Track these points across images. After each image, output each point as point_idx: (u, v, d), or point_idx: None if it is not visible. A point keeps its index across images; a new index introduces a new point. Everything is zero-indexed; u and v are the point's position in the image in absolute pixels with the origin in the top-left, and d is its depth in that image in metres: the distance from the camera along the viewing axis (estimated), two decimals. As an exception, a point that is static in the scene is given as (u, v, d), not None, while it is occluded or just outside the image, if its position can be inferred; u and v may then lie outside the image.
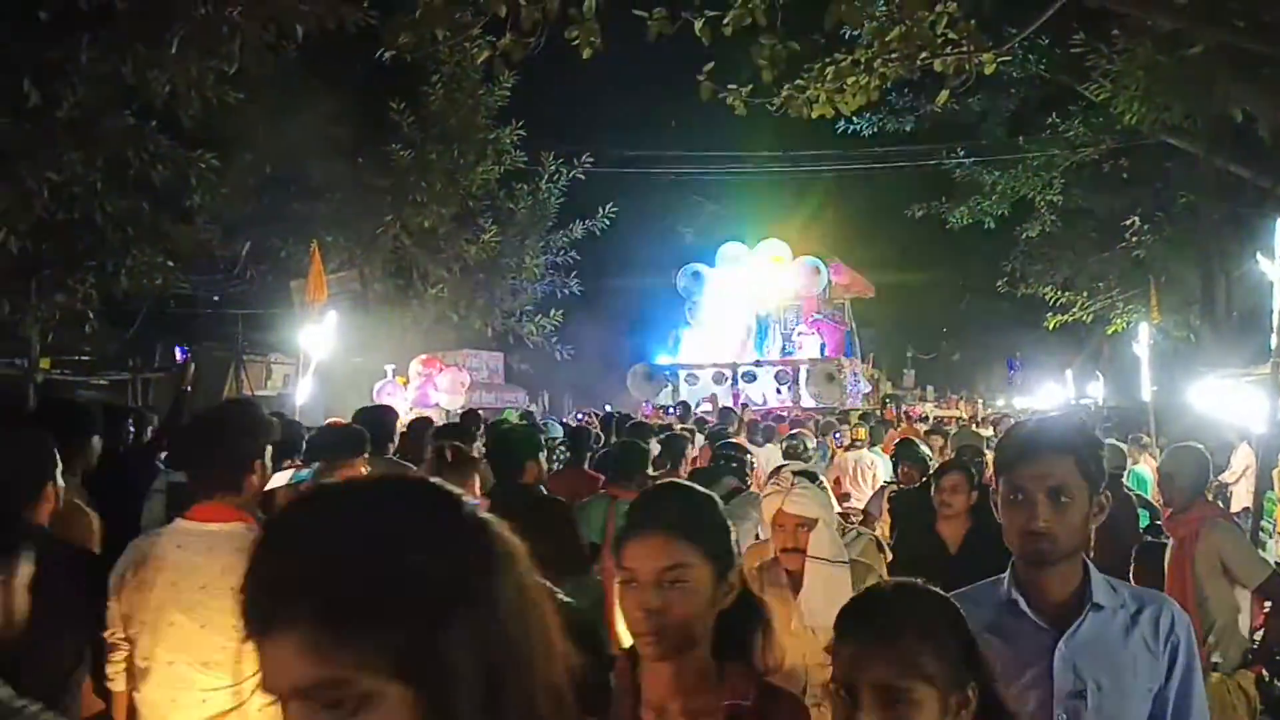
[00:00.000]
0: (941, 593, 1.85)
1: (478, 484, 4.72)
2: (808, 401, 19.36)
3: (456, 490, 1.04)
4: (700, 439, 9.66)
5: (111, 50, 7.81)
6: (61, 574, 3.00)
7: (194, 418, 4.02)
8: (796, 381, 20.07)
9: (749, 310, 22.30)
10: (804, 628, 3.35)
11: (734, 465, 6.47)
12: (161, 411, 7.82)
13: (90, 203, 8.84)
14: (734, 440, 8.42)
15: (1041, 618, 2.18)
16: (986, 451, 7.71)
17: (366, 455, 4.67)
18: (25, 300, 10.05)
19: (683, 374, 20.77)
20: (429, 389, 12.72)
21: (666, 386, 20.45)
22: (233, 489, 3.09)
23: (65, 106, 8.05)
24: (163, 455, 5.86)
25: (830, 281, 22.47)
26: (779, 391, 20.03)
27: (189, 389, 7.58)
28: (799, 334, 21.79)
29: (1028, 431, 2.30)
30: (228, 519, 3.04)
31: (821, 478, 3.83)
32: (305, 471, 4.32)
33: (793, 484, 3.48)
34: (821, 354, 21.21)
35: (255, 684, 0.97)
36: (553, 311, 18.53)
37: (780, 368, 20.43)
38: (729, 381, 20.17)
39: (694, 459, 7.79)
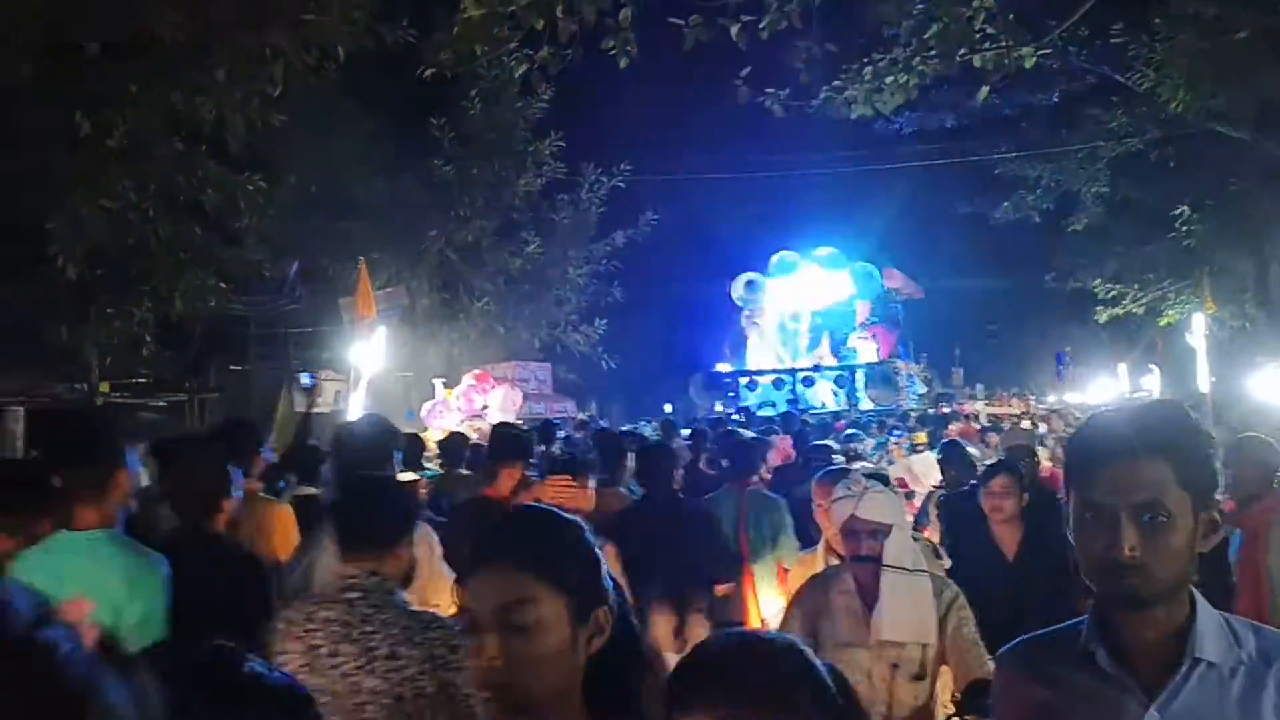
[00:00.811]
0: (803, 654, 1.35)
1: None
2: (865, 404, 19.73)
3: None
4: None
5: (160, 79, 7.98)
6: (238, 574, 3.30)
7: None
8: (854, 384, 20.54)
9: (804, 316, 22.76)
10: (881, 643, 3.14)
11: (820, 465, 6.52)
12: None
13: (144, 228, 9.03)
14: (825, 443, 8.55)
15: (1129, 676, 1.64)
16: (1040, 449, 7.66)
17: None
18: (84, 325, 10.30)
19: (742, 380, 21.24)
20: (474, 398, 12.80)
21: (727, 393, 20.78)
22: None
23: (116, 135, 8.23)
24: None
25: (883, 286, 22.91)
26: (836, 395, 20.39)
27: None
28: (856, 338, 22.30)
29: (1104, 427, 1.71)
30: None
31: (893, 481, 3.78)
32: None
33: (865, 488, 3.23)
34: (876, 356, 21.63)
35: None
36: (597, 321, 18.60)
37: (839, 372, 20.91)
38: (788, 387, 20.56)
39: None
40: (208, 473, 3.49)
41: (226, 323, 15.45)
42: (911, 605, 3.13)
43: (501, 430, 5.37)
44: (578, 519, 1.68)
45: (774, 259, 23.39)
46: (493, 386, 13.25)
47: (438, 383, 14.91)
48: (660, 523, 4.83)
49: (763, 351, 22.70)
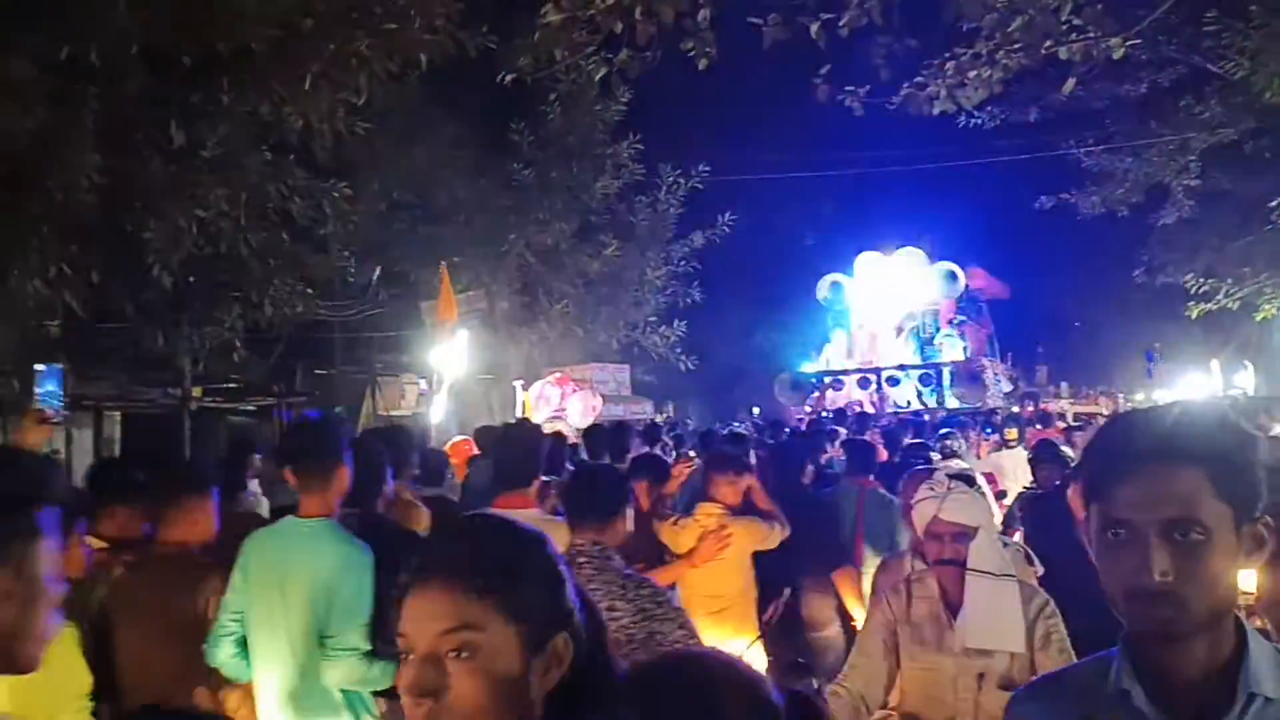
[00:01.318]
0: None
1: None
2: (951, 403, 19.85)
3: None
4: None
5: (249, 90, 8.18)
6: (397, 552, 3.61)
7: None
8: (940, 384, 20.59)
9: (888, 316, 22.79)
10: (965, 651, 3.04)
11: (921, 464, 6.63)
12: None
13: (234, 237, 9.24)
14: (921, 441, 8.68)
15: (1168, 717, 1.42)
16: None
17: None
18: (178, 332, 10.59)
19: (827, 380, 21.42)
20: (561, 405, 12.88)
21: (813, 393, 21.03)
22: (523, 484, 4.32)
23: (209, 146, 8.46)
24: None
25: (967, 286, 22.86)
26: (921, 394, 20.42)
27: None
28: (942, 336, 22.30)
29: (1128, 430, 1.48)
30: (523, 505, 4.16)
31: (980, 480, 3.70)
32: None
33: (949, 489, 3.11)
34: (964, 355, 21.59)
35: None
36: (675, 322, 18.58)
37: (924, 370, 20.93)
38: (873, 386, 20.71)
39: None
40: (369, 463, 3.90)
41: (312, 327, 15.76)
42: (997, 612, 3.01)
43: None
44: (540, 531, 1.45)
45: (859, 260, 23.42)
46: (572, 391, 13.31)
47: (517, 385, 15.04)
48: (791, 512, 5.16)
49: (845, 351, 22.82)
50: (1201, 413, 1.48)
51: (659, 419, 18.03)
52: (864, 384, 20.90)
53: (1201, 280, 20.24)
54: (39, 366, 4.08)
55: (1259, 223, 18.17)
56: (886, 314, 22.88)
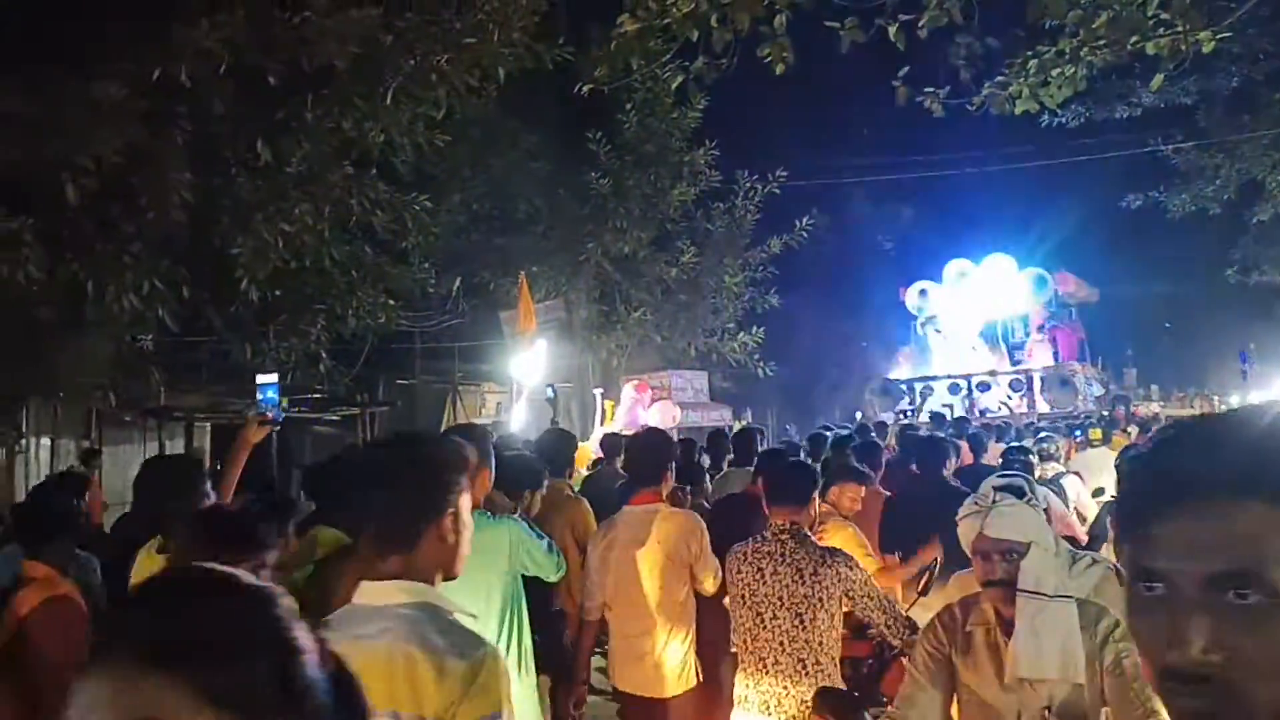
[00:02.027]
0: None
1: None
2: (1042, 407, 19.78)
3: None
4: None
5: (332, 106, 8.33)
6: None
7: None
8: (1030, 388, 20.48)
9: (978, 322, 22.94)
10: (1018, 681, 2.76)
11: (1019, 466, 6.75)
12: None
13: (318, 250, 9.41)
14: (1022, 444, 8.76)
15: None
16: None
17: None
18: (265, 344, 10.80)
19: (918, 386, 21.47)
20: (638, 411, 12.91)
21: (902, 399, 21.18)
22: (654, 482, 4.81)
23: (293, 162, 8.63)
24: None
25: (1056, 291, 22.94)
26: (1011, 399, 20.41)
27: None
28: (1033, 341, 22.38)
29: (1175, 445, 1.06)
30: (654, 501, 4.75)
31: (1069, 483, 3.52)
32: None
33: (994, 501, 2.84)
34: (1055, 360, 21.54)
35: None
36: (754, 329, 18.49)
37: (1015, 376, 20.89)
38: (964, 391, 20.79)
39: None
40: (520, 469, 4.65)
41: (394, 338, 15.98)
42: (1052, 637, 2.71)
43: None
44: (268, 587, 1.03)
45: (947, 267, 23.51)
46: (650, 401, 13.31)
47: (597, 393, 15.08)
48: (929, 501, 5.56)
49: (939, 358, 22.95)
50: (1257, 426, 1.05)
51: (737, 425, 17.94)
52: (954, 390, 20.91)
53: (1300, 279, 19.59)
54: (262, 378, 4.36)
55: (1360, 219, 17.54)
56: (975, 320, 22.94)
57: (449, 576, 2.24)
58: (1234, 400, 29.39)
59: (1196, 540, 0.97)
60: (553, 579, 4.00)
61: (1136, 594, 1.03)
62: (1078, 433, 12.08)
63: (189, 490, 3.86)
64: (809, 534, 4.22)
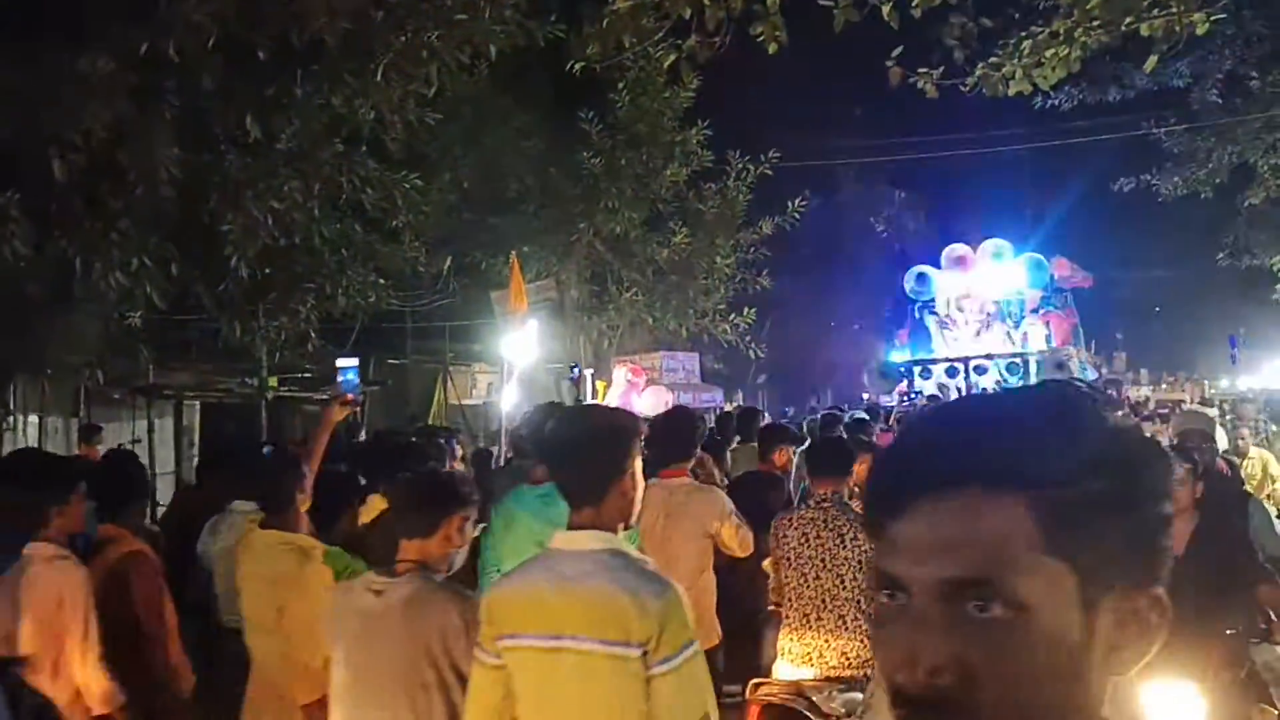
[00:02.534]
0: None
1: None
2: None
3: None
4: None
5: (322, 83, 8.26)
6: None
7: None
8: (1027, 371, 20.81)
9: (975, 306, 23.54)
10: None
11: None
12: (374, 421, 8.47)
13: (308, 228, 9.36)
14: None
15: None
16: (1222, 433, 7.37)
17: None
18: (254, 323, 10.76)
19: (916, 369, 22.08)
20: (631, 396, 12.87)
21: (901, 381, 21.72)
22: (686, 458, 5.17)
23: (283, 139, 8.57)
24: None
25: (1052, 276, 23.30)
26: (1008, 381, 20.61)
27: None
28: (1027, 325, 22.94)
29: (921, 431, 0.92)
30: (681, 475, 5.09)
31: None
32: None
33: None
34: (1048, 344, 22.08)
35: None
36: (746, 310, 18.46)
37: (1011, 359, 21.38)
38: (961, 374, 21.17)
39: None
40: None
41: (384, 318, 15.93)
42: None
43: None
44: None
45: (945, 251, 23.97)
46: (644, 386, 13.26)
47: (588, 374, 15.06)
48: None
49: (937, 341, 23.63)
50: (1049, 400, 0.89)
51: (728, 407, 17.95)
52: (952, 372, 21.33)
53: (1289, 263, 19.61)
54: (342, 361, 4.62)
55: (1352, 203, 17.55)
56: (973, 304, 23.47)
57: (627, 526, 2.62)
58: (1223, 384, 29.57)
59: (934, 540, 0.83)
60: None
61: (878, 604, 0.87)
62: None
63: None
64: (849, 502, 4.73)
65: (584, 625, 2.38)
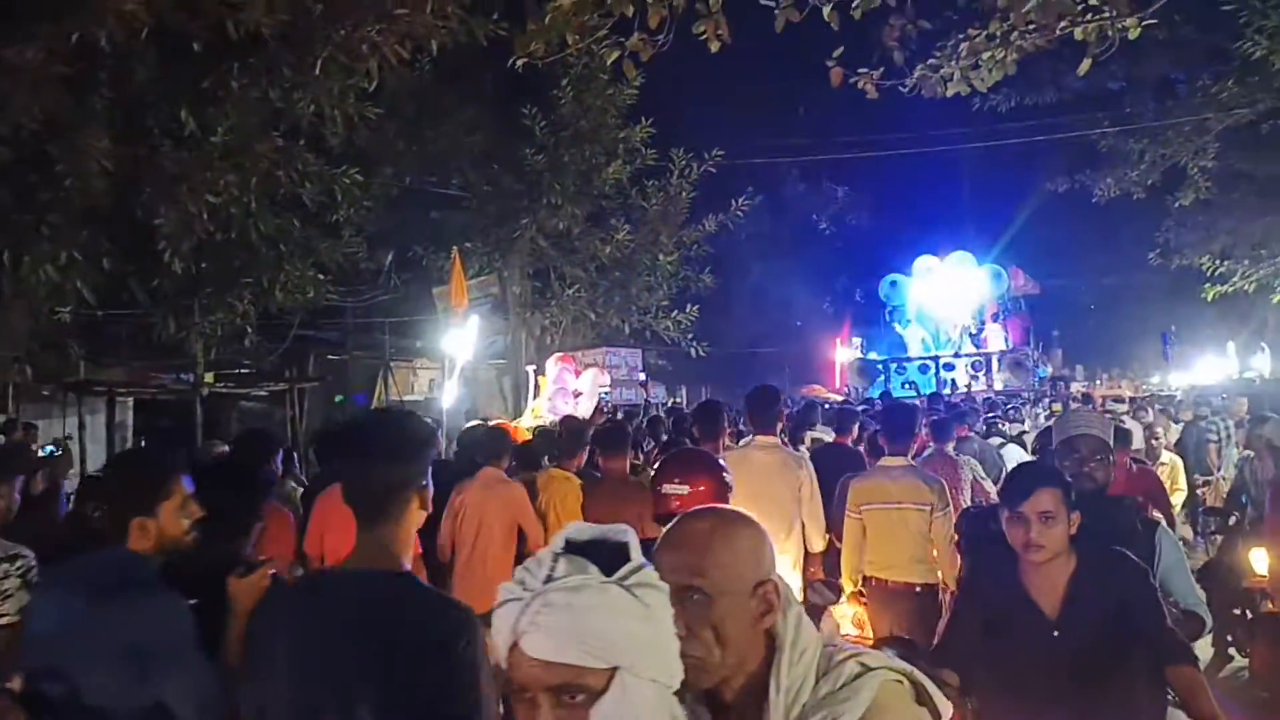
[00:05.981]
0: None
1: None
2: (999, 385, 23.48)
3: None
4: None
5: (260, 75, 8.15)
6: None
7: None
8: (989, 369, 24.32)
9: (941, 310, 26.82)
10: None
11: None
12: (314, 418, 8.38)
13: (245, 223, 9.22)
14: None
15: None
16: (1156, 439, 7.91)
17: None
18: (189, 318, 10.58)
19: (892, 366, 25.29)
20: (566, 378, 12.70)
21: (878, 378, 24.73)
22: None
23: (219, 132, 8.43)
24: None
25: (1009, 285, 26.88)
26: (973, 377, 24.04)
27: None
28: (989, 329, 26.28)
29: None
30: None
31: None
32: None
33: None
34: (1006, 344, 25.51)
35: None
36: (688, 307, 18.49)
37: (976, 358, 24.76)
38: (932, 371, 24.38)
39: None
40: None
41: (324, 313, 15.75)
42: None
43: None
44: None
45: (916, 263, 27.26)
46: (581, 370, 13.17)
47: (530, 370, 14.99)
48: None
49: (910, 342, 26.83)
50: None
51: (671, 403, 18.00)
52: (924, 369, 24.41)
53: (1218, 262, 20.01)
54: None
55: (1277, 204, 18.00)
56: (941, 310, 26.73)
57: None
58: (1155, 380, 30.27)
59: None
60: None
61: None
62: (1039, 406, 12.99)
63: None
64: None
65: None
